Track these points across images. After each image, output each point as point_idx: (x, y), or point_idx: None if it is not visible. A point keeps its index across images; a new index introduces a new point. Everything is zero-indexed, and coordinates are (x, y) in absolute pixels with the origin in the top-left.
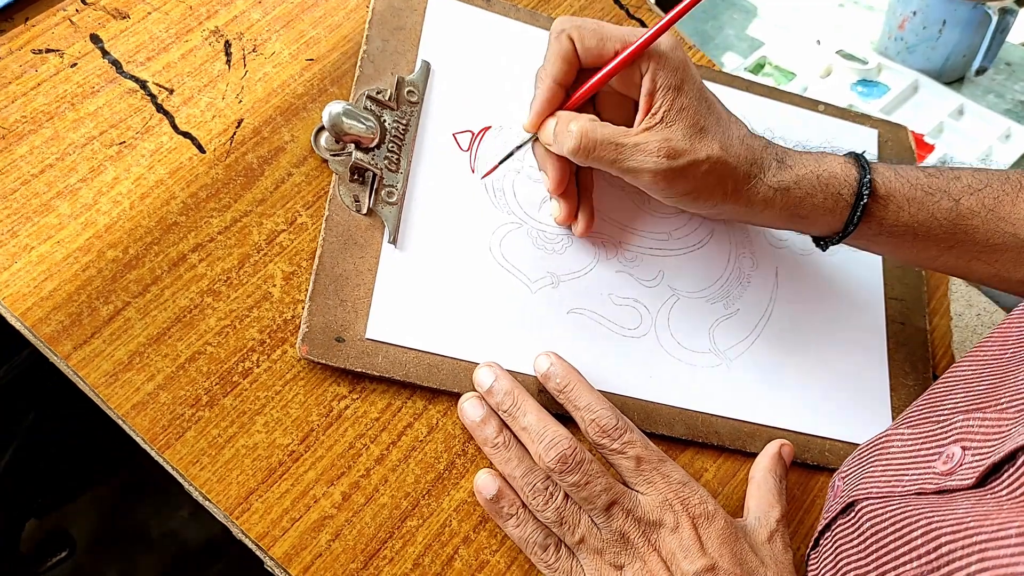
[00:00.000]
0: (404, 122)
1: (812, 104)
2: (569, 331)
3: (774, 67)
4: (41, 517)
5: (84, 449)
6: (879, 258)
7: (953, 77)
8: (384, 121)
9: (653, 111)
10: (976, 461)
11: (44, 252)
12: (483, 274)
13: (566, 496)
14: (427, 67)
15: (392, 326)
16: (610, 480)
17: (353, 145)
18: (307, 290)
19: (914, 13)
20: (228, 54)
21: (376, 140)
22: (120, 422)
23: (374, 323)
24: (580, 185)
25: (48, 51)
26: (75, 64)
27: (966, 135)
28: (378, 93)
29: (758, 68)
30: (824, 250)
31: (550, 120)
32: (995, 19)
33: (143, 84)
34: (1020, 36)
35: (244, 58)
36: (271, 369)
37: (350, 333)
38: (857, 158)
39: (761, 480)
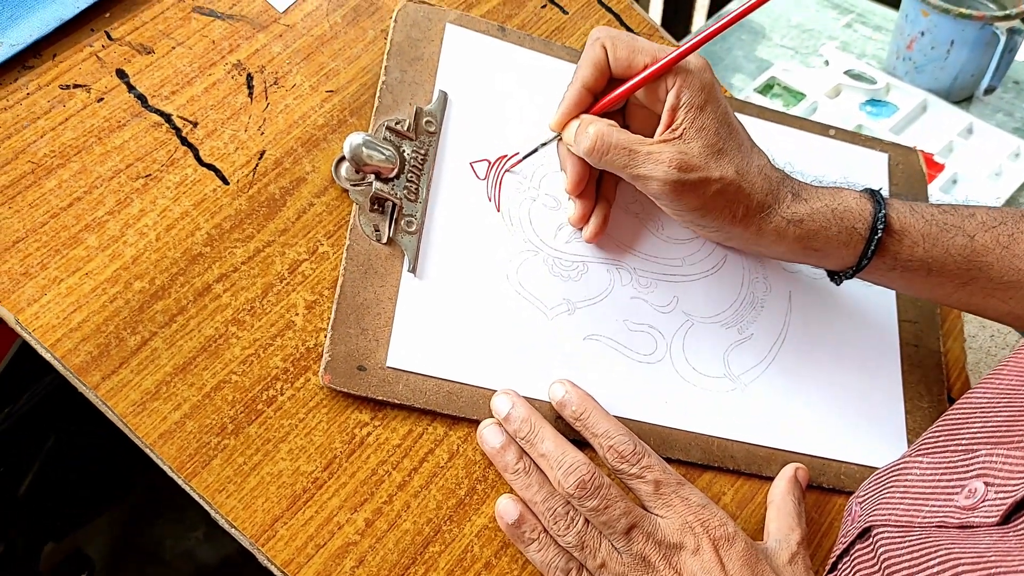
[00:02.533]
0: (423, 152)
1: (822, 129)
2: (585, 358)
3: (783, 87)
4: (59, 540)
5: (100, 471)
6: None
7: (962, 96)
8: (403, 151)
9: (673, 126)
10: (999, 499)
11: (73, 284)
12: (500, 302)
13: (586, 521)
14: (444, 97)
15: (412, 354)
16: (629, 504)
17: (373, 175)
18: (329, 319)
19: (922, 33)
20: (250, 87)
21: (395, 170)
22: (148, 451)
23: (395, 352)
24: (601, 194)
25: (75, 86)
26: (102, 99)
27: (976, 154)
28: (397, 124)
29: (767, 89)
30: (838, 284)
31: (574, 122)
32: (1003, 39)
33: (168, 117)
34: None
35: (266, 91)
36: (295, 397)
37: (371, 362)
38: (872, 194)
39: (780, 503)
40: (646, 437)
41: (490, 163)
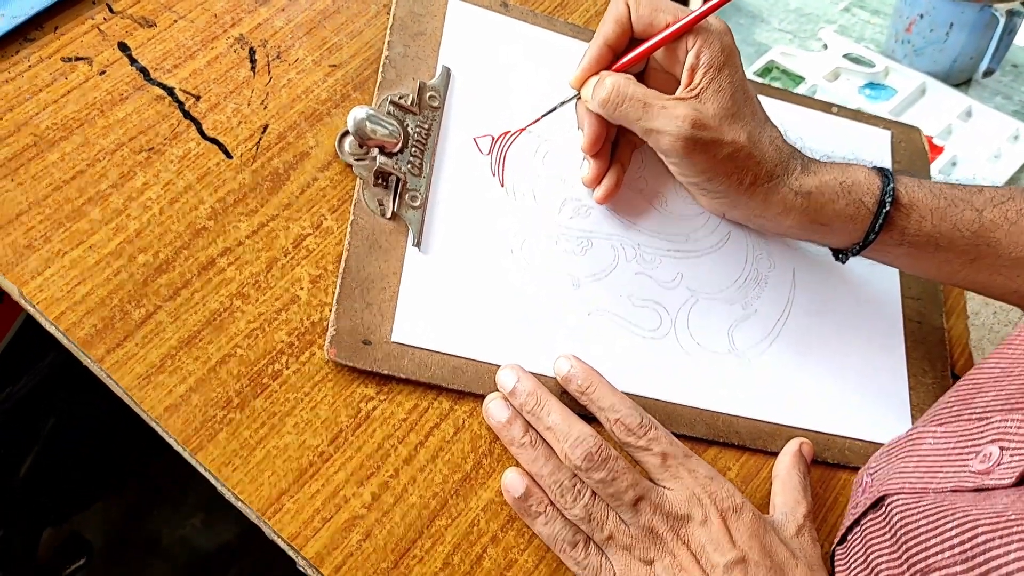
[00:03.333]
0: (426, 127)
1: (825, 106)
2: (590, 332)
3: (781, 71)
4: (58, 525)
5: (99, 456)
6: None
7: (960, 79)
8: (407, 126)
9: (692, 85)
10: (1015, 461)
11: (76, 257)
12: (505, 276)
13: (593, 494)
14: (448, 72)
15: (417, 329)
16: (636, 476)
17: (377, 150)
18: (334, 293)
19: (921, 16)
20: (253, 61)
21: (399, 145)
22: (153, 424)
23: (400, 326)
24: (615, 156)
25: (77, 59)
26: (104, 72)
27: (975, 136)
28: (401, 98)
29: (765, 72)
30: (843, 262)
31: (593, 78)
32: (1002, 21)
33: (170, 91)
34: None
35: (268, 65)
36: (300, 371)
37: (376, 336)
38: (881, 170)
39: (786, 477)
40: (651, 412)
41: (494, 138)
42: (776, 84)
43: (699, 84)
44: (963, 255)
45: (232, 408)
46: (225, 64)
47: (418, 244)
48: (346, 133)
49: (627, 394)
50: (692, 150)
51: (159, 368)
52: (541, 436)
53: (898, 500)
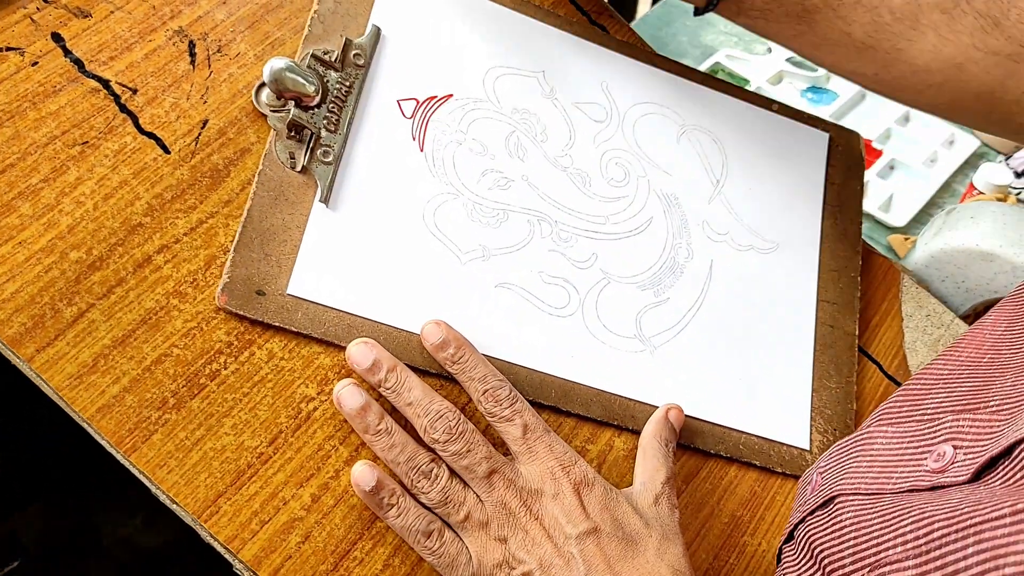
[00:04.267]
0: (347, 84)
1: (767, 103)
2: (495, 304)
3: (727, 73)
4: None
5: (35, 456)
6: (815, 259)
7: None
8: (327, 81)
9: None
10: (969, 459)
11: (5, 253)
12: (413, 241)
13: (451, 475)
14: (377, 32)
15: (315, 284)
16: (491, 450)
17: (293, 102)
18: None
19: None
20: (192, 54)
21: (317, 99)
22: (85, 425)
23: (297, 279)
24: None
25: (8, 49)
26: (36, 63)
27: (912, 141)
28: (324, 53)
29: (712, 74)
30: (696, 15)
31: None
32: None
33: (106, 84)
34: None
35: (209, 59)
36: (239, 371)
37: (272, 287)
38: None
39: (647, 446)
40: (548, 389)
41: (418, 102)
42: None
43: None
44: (788, 30)
45: (168, 409)
46: (163, 57)
47: (326, 200)
48: (263, 84)
49: (526, 368)
50: None
51: (92, 368)
52: (394, 422)
53: (852, 500)
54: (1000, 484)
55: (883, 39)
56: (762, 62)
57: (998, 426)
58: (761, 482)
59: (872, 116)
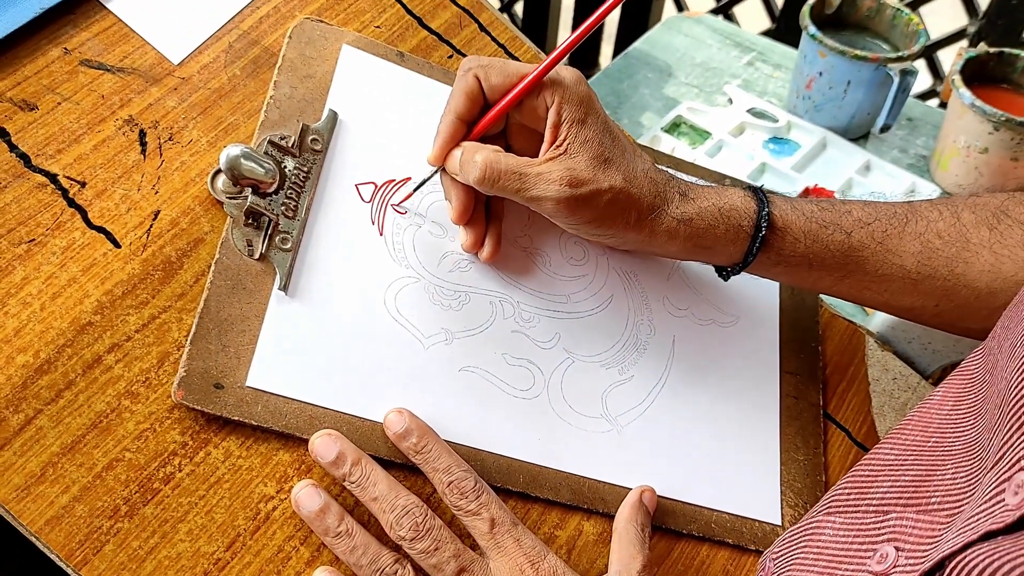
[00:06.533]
0: (306, 169)
1: (719, 178)
2: (459, 389)
3: (689, 126)
4: None
5: None
6: (776, 331)
7: (860, 133)
8: (285, 167)
9: (557, 143)
10: (911, 564)
11: None
12: (375, 327)
13: (416, 572)
14: (334, 116)
15: (275, 375)
16: (460, 547)
17: (250, 189)
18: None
19: (820, 73)
20: (143, 143)
21: (275, 185)
22: (33, 539)
23: (256, 371)
24: (491, 211)
25: None
26: None
27: (873, 190)
28: (281, 139)
29: (674, 128)
30: (726, 279)
31: (456, 151)
32: (896, 80)
33: (53, 178)
34: (923, 87)
35: (160, 147)
36: (194, 473)
37: (230, 380)
38: (756, 191)
39: (623, 531)
40: (516, 474)
41: (376, 186)
42: (684, 139)
43: (565, 140)
44: (835, 272)
45: (120, 517)
46: (113, 148)
47: (285, 287)
48: (219, 171)
49: (492, 454)
50: (575, 207)
51: (39, 478)
52: (355, 523)
53: None
54: None
55: (939, 266)
56: (724, 114)
57: (938, 529)
58: (734, 560)
59: (833, 166)
